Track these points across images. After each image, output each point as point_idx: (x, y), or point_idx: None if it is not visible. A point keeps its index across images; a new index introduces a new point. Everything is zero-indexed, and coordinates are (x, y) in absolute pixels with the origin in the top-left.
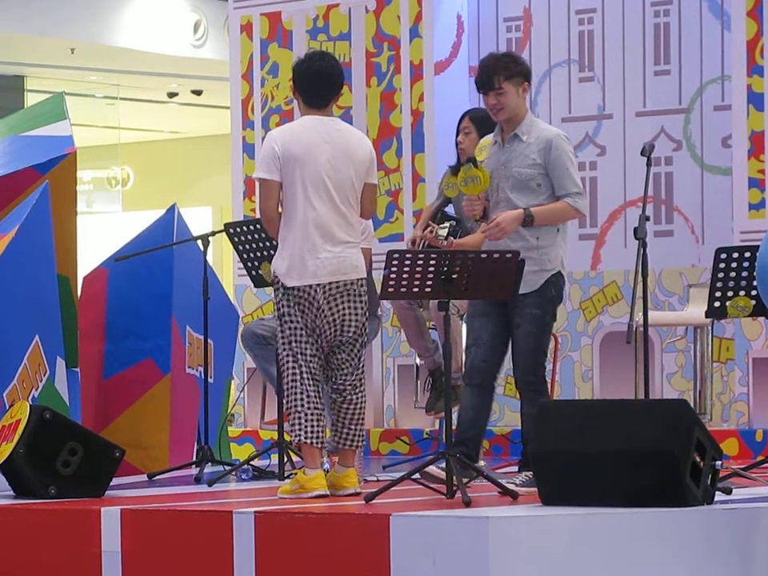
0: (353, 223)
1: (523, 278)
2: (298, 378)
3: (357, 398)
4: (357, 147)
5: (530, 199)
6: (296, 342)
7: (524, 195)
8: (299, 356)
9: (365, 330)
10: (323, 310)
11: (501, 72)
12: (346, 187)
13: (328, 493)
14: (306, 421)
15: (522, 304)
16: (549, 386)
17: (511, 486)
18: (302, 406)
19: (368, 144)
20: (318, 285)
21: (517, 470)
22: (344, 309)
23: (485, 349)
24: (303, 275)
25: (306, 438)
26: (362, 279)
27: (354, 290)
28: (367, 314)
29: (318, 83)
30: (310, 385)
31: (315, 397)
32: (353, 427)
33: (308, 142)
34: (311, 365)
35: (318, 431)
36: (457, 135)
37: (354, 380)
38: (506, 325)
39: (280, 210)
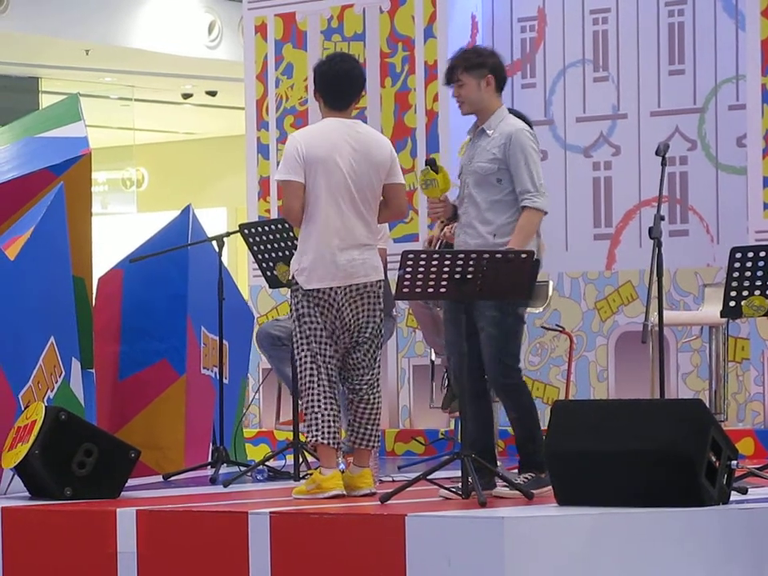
0: (372, 225)
1: None
2: (315, 378)
3: (373, 398)
4: (377, 150)
5: (490, 195)
6: (315, 342)
7: (484, 191)
8: (318, 356)
9: (381, 330)
10: (342, 312)
11: (460, 64)
12: (366, 190)
13: (344, 493)
14: (322, 421)
15: (483, 307)
16: (526, 385)
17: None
18: (319, 406)
19: (388, 146)
20: (339, 287)
21: (517, 472)
22: (363, 310)
23: (464, 357)
24: (324, 277)
25: (322, 438)
26: (380, 281)
27: (373, 292)
28: (383, 314)
29: (340, 85)
30: (326, 385)
31: (332, 397)
32: (369, 427)
33: (331, 144)
34: (329, 365)
35: (334, 431)
36: None
37: (370, 379)
38: (475, 328)
39: None
